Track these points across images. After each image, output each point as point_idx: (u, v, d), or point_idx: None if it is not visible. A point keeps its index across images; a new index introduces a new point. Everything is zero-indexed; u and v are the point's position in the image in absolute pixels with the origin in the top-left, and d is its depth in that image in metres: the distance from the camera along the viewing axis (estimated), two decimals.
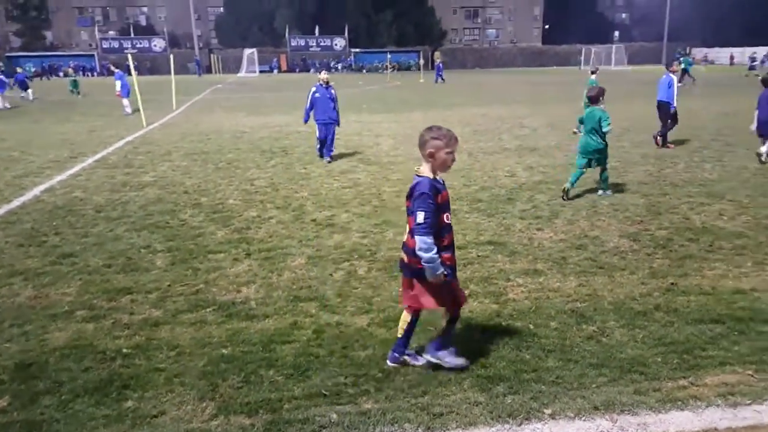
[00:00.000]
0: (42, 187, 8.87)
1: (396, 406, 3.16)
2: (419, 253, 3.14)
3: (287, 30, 69.30)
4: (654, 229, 6.21)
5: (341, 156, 11.10)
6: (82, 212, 7.36)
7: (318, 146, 10.82)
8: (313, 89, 10.49)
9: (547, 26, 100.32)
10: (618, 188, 8.08)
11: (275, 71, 66.67)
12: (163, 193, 8.33)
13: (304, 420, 3.05)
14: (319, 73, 10.95)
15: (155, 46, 69.93)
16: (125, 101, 20.36)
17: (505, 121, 16.29)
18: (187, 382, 3.41)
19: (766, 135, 9.66)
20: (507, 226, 6.46)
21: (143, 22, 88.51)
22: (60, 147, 12.96)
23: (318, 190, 8.50)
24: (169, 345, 3.87)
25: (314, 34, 71.18)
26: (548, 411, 3.10)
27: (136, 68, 18.26)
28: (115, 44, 69.47)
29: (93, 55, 67.93)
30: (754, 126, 9.82)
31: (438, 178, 3.27)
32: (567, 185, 7.66)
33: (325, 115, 10.46)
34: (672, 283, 4.73)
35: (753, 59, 46.58)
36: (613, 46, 63.24)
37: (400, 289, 3.64)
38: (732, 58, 54.18)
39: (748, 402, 3.14)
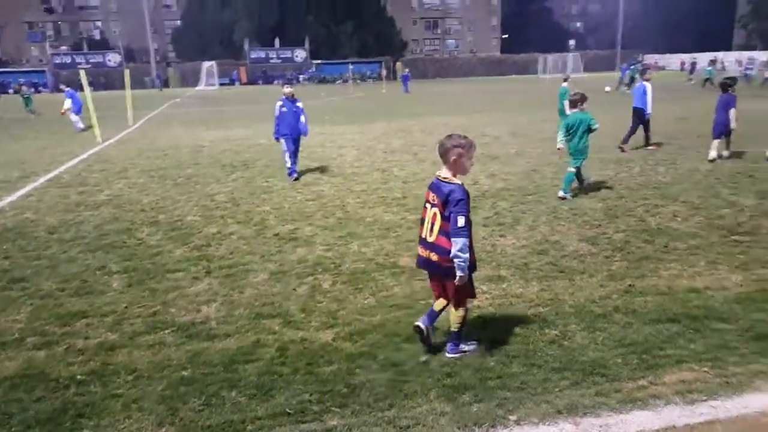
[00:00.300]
0: None
1: (362, 421, 3.12)
2: (459, 253, 3.44)
3: (247, 42, 68.77)
4: (611, 233, 6.36)
5: (304, 168, 11.01)
6: (33, 234, 7.08)
7: (288, 164, 10.21)
8: (279, 104, 10.16)
9: (505, 36, 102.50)
10: (577, 193, 8.26)
11: (236, 84, 66.03)
12: (119, 212, 8.10)
13: None
14: (283, 86, 10.53)
15: (110, 60, 68.27)
16: (73, 117, 19.75)
17: (467, 129, 16.45)
18: (146, 407, 3.30)
19: (718, 136, 10.37)
20: None
21: (97, 37, 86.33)
22: (10, 166, 12.48)
23: (281, 203, 8.40)
24: (126, 369, 3.75)
25: (274, 46, 70.85)
26: (513, 417, 3.12)
27: (91, 84, 17.77)
28: (68, 59, 67.49)
29: (44, 71, 65.88)
30: (733, 125, 10.46)
31: None
32: (577, 185, 8.29)
33: (293, 129, 10.12)
34: (630, 285, 4.84)
35: (693, 65, 48.71)
36: (569, 54, 64.91)
37: (430, 285, 3.95)
38: (682, 63, 56.54)
39: (705, 398, 3.23)
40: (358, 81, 60.66)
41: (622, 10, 67.57)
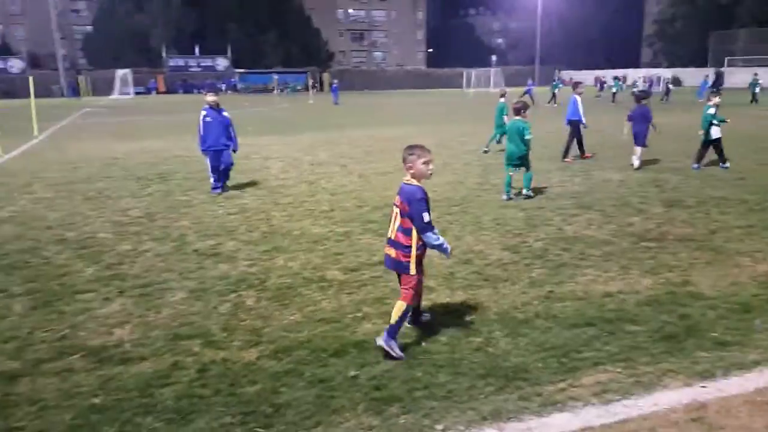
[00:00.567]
0: None
1: None
2: (435, 243, 3.86)
3: (164, 49, 66.32)
4: (532, 241, 6.61)
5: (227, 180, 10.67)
6: None
7: (213, 178, 9.75)
8: (204, 113, 9.53)
9: (430, 50, 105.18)
10: (500, 204, 8.53)
11: (153, 92, 63.40)
12: (22, 230, 7.49)
13: None
14: (206, 95, 9.81)
15: (12, 67, 63.52)
16: None
17: (395, 141, 16.67)
18: None
19: (640, 145, 11.20)
20: None
21: None
22: None
23: (201, 218, 8.08)
24: (29, 400, 3.44)
25: (194, 53, 68.74)
26: (440, 427, 3.13)
27: None
28: None
29: None
30: (626, 130, 11.52)
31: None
32: (504, 196, 8.74)
33: (218, 141, 9.54)
34: (549, 291, 5.03)
35: (602, 83, 52.27)
36: (492, 69, 67.52)
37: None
38: (596, 79, 60.25)
39: (619, 398, 3.38)
40: (289, 91, 59.95)
41: (540, 28, 71.14)
